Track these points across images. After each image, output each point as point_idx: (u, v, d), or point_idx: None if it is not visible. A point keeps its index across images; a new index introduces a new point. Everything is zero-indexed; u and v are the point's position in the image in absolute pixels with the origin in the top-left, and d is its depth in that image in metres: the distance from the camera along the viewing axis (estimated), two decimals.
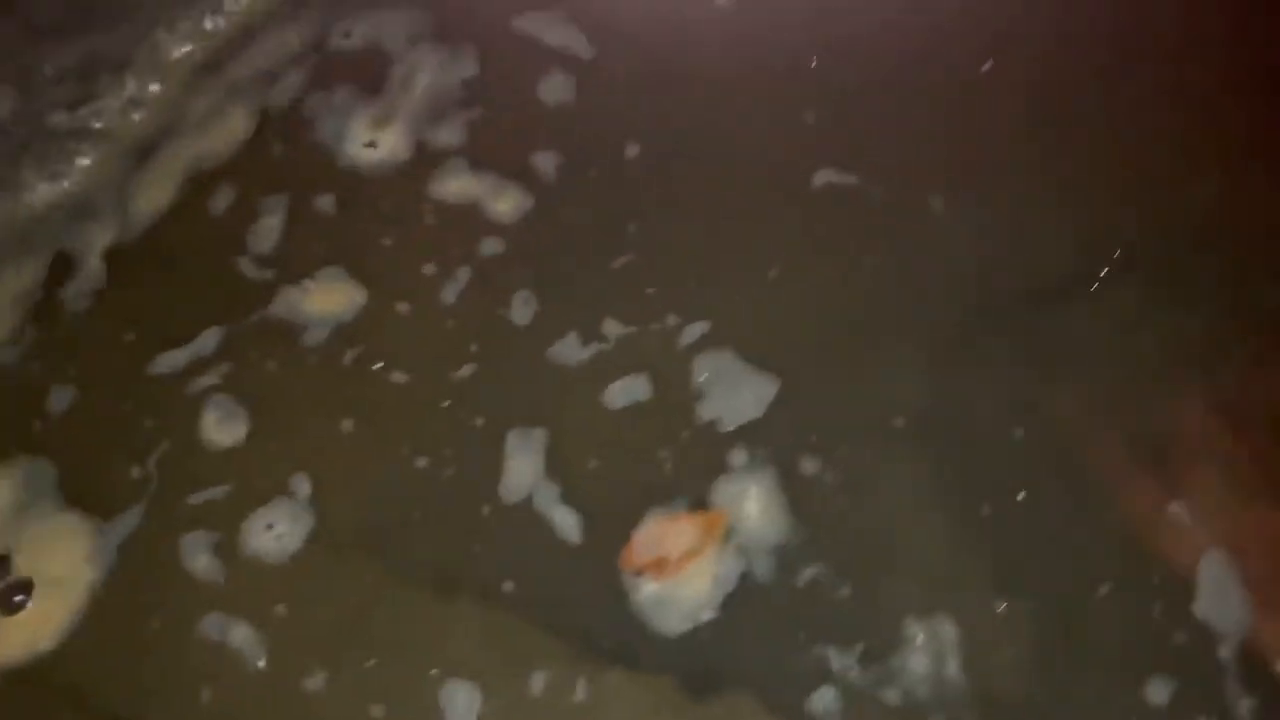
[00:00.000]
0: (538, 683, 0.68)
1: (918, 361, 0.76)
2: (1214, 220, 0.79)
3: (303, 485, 0.77)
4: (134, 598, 0.75)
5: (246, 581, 0.74)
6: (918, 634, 0.67)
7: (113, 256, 0.88)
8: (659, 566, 0.70)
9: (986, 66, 0.87)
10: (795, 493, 0.72)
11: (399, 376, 0.80)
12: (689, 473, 0.74)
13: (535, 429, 0.76)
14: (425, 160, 0.89)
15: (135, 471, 0.79)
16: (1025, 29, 0.89)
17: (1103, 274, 0.77)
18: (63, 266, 0.88)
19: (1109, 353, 0.75)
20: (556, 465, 0.75)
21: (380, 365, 0.81)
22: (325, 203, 0.89)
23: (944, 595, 0.68)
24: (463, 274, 0.84)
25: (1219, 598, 0.66)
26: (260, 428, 0.80)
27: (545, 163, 0.88)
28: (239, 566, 0.75)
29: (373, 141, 0.91)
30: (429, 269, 0.84)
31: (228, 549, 0.75)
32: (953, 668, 0.66)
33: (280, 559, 0.75)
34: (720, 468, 0.74)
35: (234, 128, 0.93)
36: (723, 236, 0.83)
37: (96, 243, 0.89)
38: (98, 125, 0.93)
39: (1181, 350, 0.74)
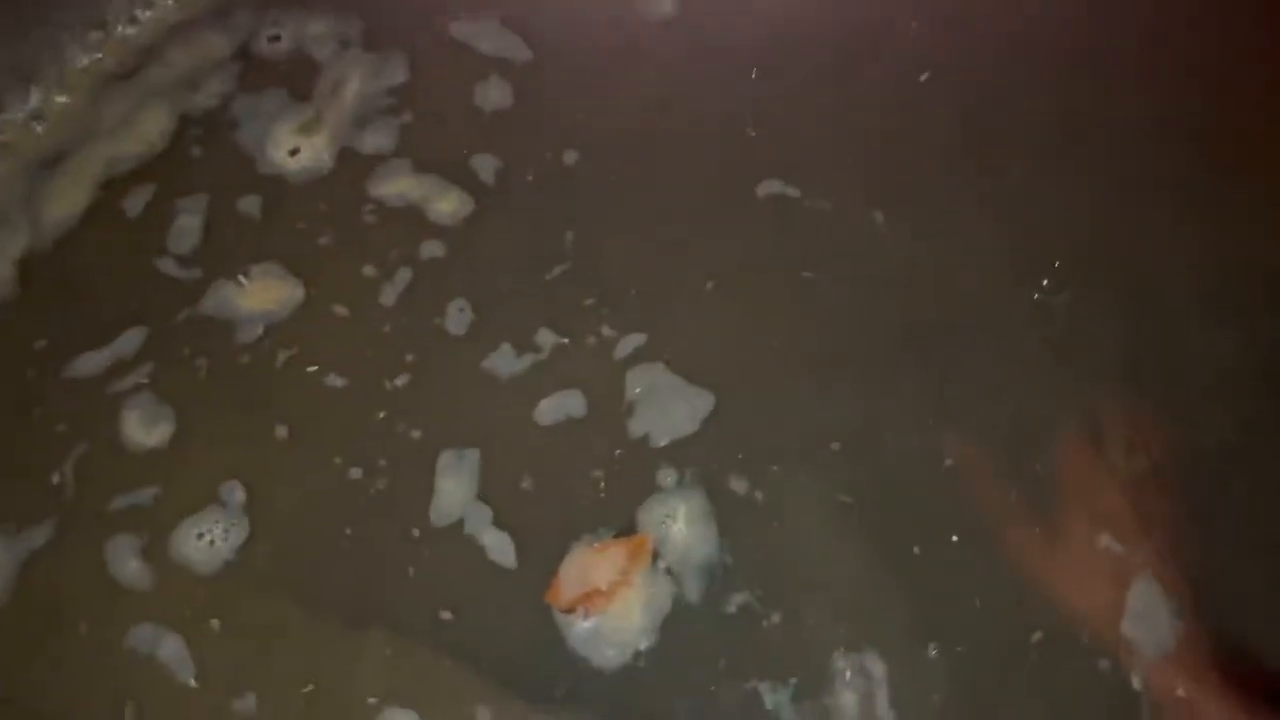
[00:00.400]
0: (480, 717, 0.68)
1: (855, 384, 0.76)
2: (1143, 244, 0.80)
3: (235, 493, 0.76)
4: (57, 605, 0.73)
5: (177, 591, 0.73)
6: (845, 669, 0.68)
7: (24, 265, 0.86)
8: (589, 599, 0.70)
9: (924, 77, 0.88)
10: (725, 513, 0.72)
11: (334, 381, 0.79)
12: (621, 492, 0.73)
13: (468, 448, 0.76)
14: (363, 162, 0.88)
15: (54, 478, 0.77)
16: (962, 40, 0.89)
17: (1034, 297, 0.78)
18: None
19: (1008, 390, 0.76)
20: (489, 485, 0.75)
21: (315, 369, 0.80)
22: (249, 204, 0.87)
23: (870, 630, 0.69)
24: (402, 277, 0.83)
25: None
26: (187, 430, 0.78)
27: (484, 166, 0.87)
28: (169, 575, 0.73)
29: (296, 148, 0.89)
30: (369, 270, 0.83)
31: (157, 555, 0.74)
32: (882, 707, 0.67)
33: (212, 569, 0.74)
34: (651, 486, 0.73)
35: (150, 133, 0.91)
36: (661, 247, 0.83)
37: (5, 252, 0.86)
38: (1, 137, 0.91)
39: (1084, 387, 0.75)
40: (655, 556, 0.71)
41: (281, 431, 0.78)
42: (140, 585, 0.73)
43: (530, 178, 0.86)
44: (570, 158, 0.86)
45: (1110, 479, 0.70)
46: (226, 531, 0.74)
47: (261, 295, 0.83)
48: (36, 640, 0.73)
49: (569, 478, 0.75)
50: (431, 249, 0.84)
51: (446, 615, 0.71)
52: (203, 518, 0.75)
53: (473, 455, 0.76)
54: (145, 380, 0.80)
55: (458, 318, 0.81)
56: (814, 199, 0.83)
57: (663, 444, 0.75)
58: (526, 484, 0.75)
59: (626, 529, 0.72)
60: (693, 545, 0.72)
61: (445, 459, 0.76)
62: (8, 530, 0.75)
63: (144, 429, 0.78)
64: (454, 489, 0.75)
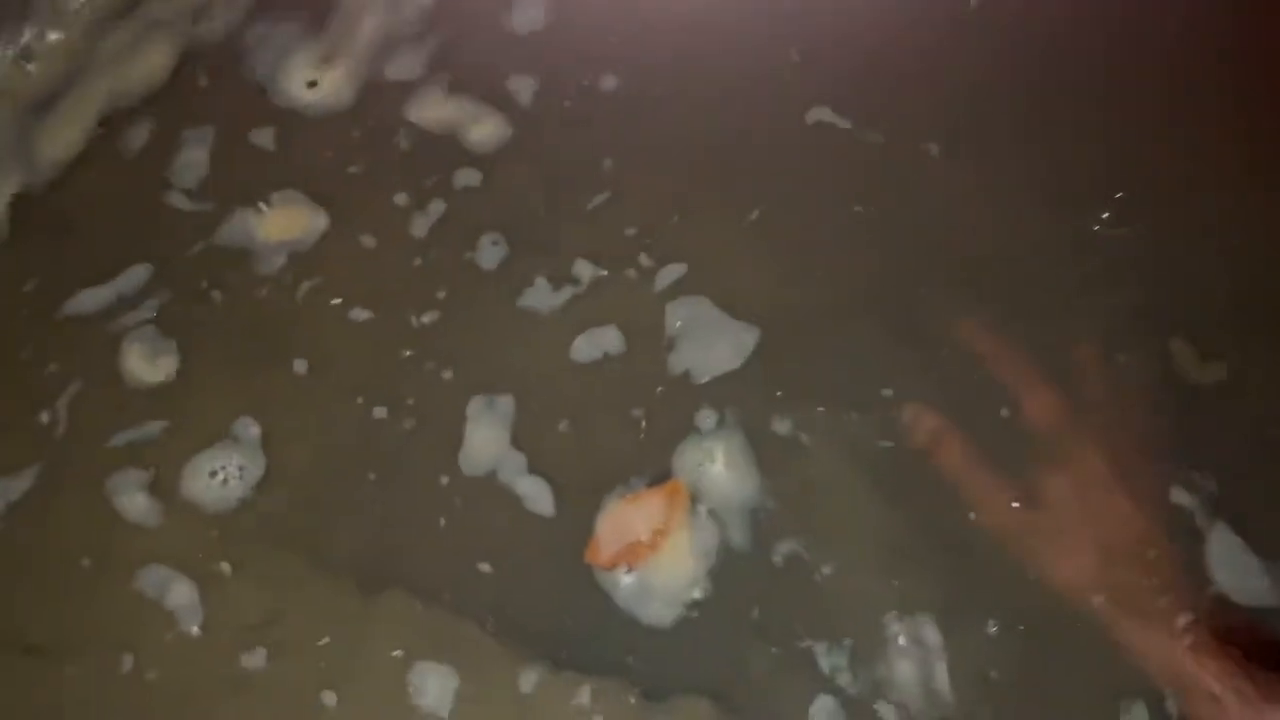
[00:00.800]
0: (525, 681, 0.63)
1: (909, 323, 0.72)
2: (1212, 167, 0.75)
3: (249, 429, 0.72)
4: (59, 543, 0.70)
5: (187, 531, 0.69)
6: (900, 634, 0.63)
7: (18, 206, 0.82)
8: (631, 553, 0.66)
9: (975, 2, 0.83)
10: (767, 454, 0.68)
11: (359, 315, 0.75)
12: (661, 432, 0.69)
13: (501, 394, 0.72)
14: (391, 90, 0.84)
15: (43, 418, 0.74)
16: None
17: (1094, 229, 0.73)
18: None
19: (1071, 327, 0.71)
20: (523, 430, 0.70)
21: (338, 302, 0.76)
22: (263, 136, 0.83)
23: (924, 593, 0.64)
24: (435, 207, 0.79)
25: None
26: (196, 365, 0.75)
27: (522, 89, 0.83)
28: (178, 513, 0.70)
29: (314, 81, 0.84)
30: (400, 199, 0.79)
31: (165, 492, 0.70)
32: (940, 680, 0.62)
33: (224, 508, 0.70)
34: (690, 427, 0.69)
35: (151, 66, 0.87)
36: (704, 175, 0.78)
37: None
38: None
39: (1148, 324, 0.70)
40: (693, 500, 0.67)
41: (300, 366, 0.74)
42: (147, 523, 0.70)
43: (567, 103, 0.82)
44: (609, 82, 0.82)
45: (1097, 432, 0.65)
46: (241, 469, 0.71)
47: (283, 224, 0.79)
48: (36, 580, 0.69)
49: (608, 419, 0.70)
50: (466, 177, 0.80)
51: (485, 568, 0.67)
52: (215, 454, 0.71)
53: (506, 399, 0.71)
54: (150, 315, 0.76)
55: (490, 251, 0.77)
56: (864, 130, 0.79)
57: (704, 381, 0.71)
58: (564, 427, 0.71)
59: (666, 472, 0.68)
60: (733, 488, 0.67)
61: (476, 404, 0.71)
62: None
63: (147, 364, 0.75)
64: (486, 434, 0.71)
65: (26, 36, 0.88)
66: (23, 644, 0.67)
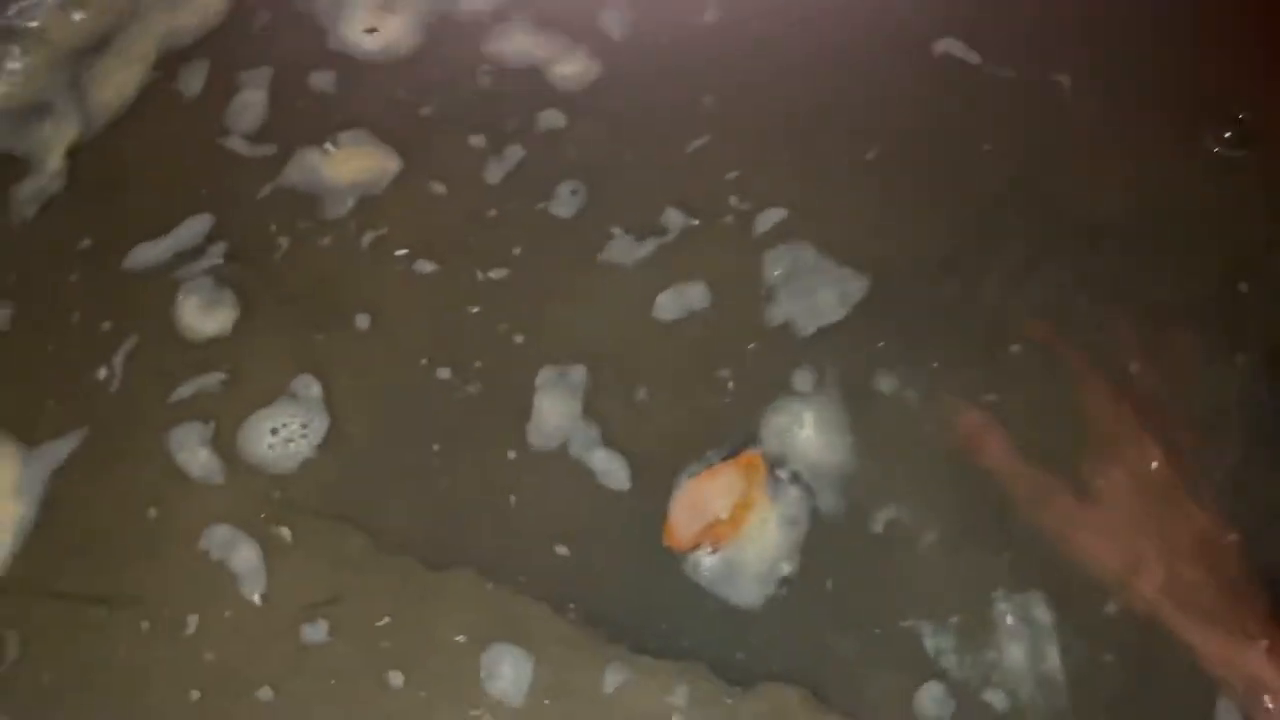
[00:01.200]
0: (609, 672, 0.60)
1: (1040, 272, 0.67)
2: None
3: (309, 387, 0.68)
4: (124, 497, 0.67)
5: (249, 492, 0.66)
6: (1008, 614, 0.59)
7: (74, 157, 0.79)
8: (712, 533, 0.62)
9: None
10: (868, 414, 0.64)
11: (424, 268, 0.71)
12: (749, 395, 0.65)
13: (575, 359, 0.68)
14: (467, 24, 0.79)
15: (99, 374, 0.70)
16: None
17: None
18: (11, 173, 0.79)
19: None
20: (597, 400, 0.66)
21: (404, 252, 0.72)
22: (323, 80, 0.79)
23: (1035, 570, 0.60)
24: (512, 152, 0.74)
25: None
26: (254, 317, 0.71)
27: (614, 23, 0.78)
28: (240, 472, 0.67)
29: (373, 27, 0.80)
30: (476, 141, 0.75)
31: (226, 449, 0.67)
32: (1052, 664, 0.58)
33: (287, 469, 0.66)
34: (783, 386, 0.65)
35: (207, 5, 0.83)
36: (816, 109, 0.74)
37: (54, 143, 0.79)
38: (31, 24, 0.83)
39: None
40: (774, 469, 0.63)
41: (363, 322, 0.70)
42: (210, 479, 0.67)
43: (664, 38, 0.77)
44: (711, 14, 0.77)
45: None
46: (304, 428, 0.67)
47: (353, 166, 0.75)
48: (100, 535, 0.66)
49: (691, 383, 0.66)
50: (550, 119, 0.75)
51: (562, 550, 0.63)
52: (275, 412, 0.68)
53: (579, 368, 0.67)
54: (209, 266, 0.73)
55: (569, 200, 0.72)
56: (995, 65, 0.74)
57: (805, 334, 0.66)
58: (641, 395, 0.66)
59: (752, 439, 0.64)
60: (825, 453, 0.63)
61: (547, 372, 0.67)
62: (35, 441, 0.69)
63: (203, 315, 0.71)
64: (557, 404, 0.67)
65: None
66: (86, 597, 0.65)
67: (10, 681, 0.63)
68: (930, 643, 0.59)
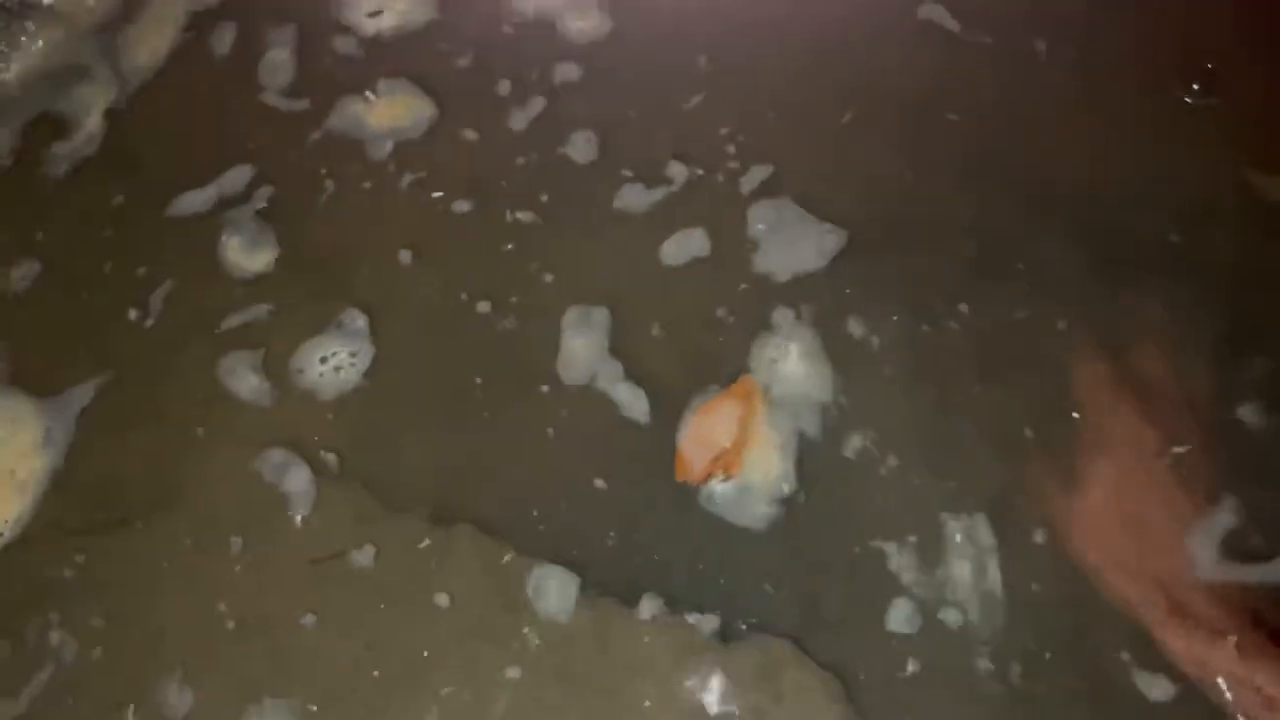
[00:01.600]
0: (644, 605, 0.64)
1: (1001, 239, 0.71)
2: None
3: (355, 319, 0.73)
4: (174, 413, 0.72)
5: (302, 416, 0.71)
6: (957, 533, 0.64)
7: (111, 118, 0.83)
8: (721, 462, 0.66)
9: None
10: (841, 353, 0.69)
11: (461, 207, 0.76)
12: (741, 331, 0.70)
13: (597, 300, 0.72)
14: None
15: (133, 314, 0.75)
16: None
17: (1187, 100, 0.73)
18: (48, 132, 0.83)
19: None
20: (619, 338, 0.71)
21: (440, 194, 0.77)
22: (347, 40, 0.83)
23: (977, 496, 0.65)
24: (535, 102, 0.79)
25: None
26: (296, 254, 0.76)
27: None
28: (293, 398, 0.71)
29: (377, 10, 0.84)
30: (504, 88, 0.80)
31: (277, 375, 0.72)
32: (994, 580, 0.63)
33: (337, 394, 0.71)
34: (767, 324, 0.70)
35: None
36: (802, 72, 0.77)
37: (91, 105, 0.83)
38: None
39: None
40: (766, 394, 0.68)
41: (405, 257, 0.75)
42: (261, 402, 0.72)
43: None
44: None
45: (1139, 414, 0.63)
46: (353, 356, 0.72)
47: (390, 112, 0.80)
48: (151, 443, 0.71)
49: (695, 322, 0.71)
50: (565, 72, 0.80)
51: (600, 484, 0.67)
52: (324, 341, 0.73)
53: (601, 309, 0.72)
54: (254, 211, 0.78)
55: (585, 148, 0.77)
56: (975, 30, 0.77)
57: (782, 280, 0.71)
58: (656, 331, 0.71)
59: (743, 370, 0.69)
60: (806, 384, 0.68)
61: (573, 313, 0.72)
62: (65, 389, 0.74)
63: (248, 255, 0.76)
64: (584, 342, 0.71)
65: None
66: (133, 507, 0.70)
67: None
68: (894, 561, 0.63)
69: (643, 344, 0.71)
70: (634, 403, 0.69)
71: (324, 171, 0.78)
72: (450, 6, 0.84)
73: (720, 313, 0.71)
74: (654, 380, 0.70)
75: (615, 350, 0.71)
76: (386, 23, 0.84)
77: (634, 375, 0.70)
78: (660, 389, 0.69)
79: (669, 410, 0.69)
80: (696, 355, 0.70)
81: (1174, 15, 0.76)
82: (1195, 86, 0.73)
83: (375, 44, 0.83)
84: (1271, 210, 0.69)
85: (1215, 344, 0.66)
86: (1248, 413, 0.64)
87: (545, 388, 0.70)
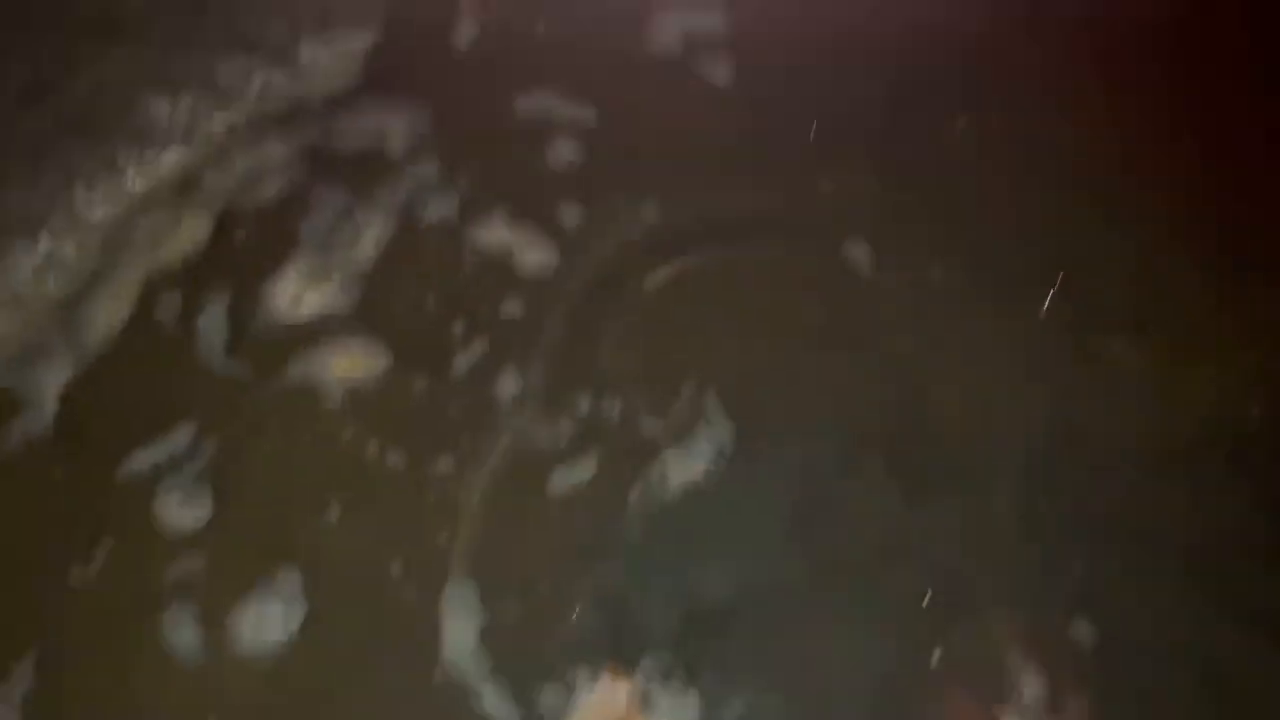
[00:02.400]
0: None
1: None
2: None
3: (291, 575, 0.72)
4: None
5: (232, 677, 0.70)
6: None
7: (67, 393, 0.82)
8: None
9: None
10: None
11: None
12: None
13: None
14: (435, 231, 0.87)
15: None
16: None
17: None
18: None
19: None
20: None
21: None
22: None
23: None
24: (479, 344, 0.81)
25: None
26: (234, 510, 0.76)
27: (569, 216, 0.87)
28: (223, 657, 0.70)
29: (298, 295, 0.84)
30: (458, 327, 0.82)
31: (212, 634, 0.71)
32: None
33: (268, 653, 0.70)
34: None
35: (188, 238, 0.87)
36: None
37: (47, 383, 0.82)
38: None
39: None
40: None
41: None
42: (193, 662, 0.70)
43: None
44: None
45: None
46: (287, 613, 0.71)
47: (348, 365, 0.81)
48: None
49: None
50: (512, 308, 0.83)
51: None
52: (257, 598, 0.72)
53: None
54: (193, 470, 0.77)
55: (511, 382, 0.80)
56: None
57: None
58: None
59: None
60: None
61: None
62: None
63: (184, 511, 0.75)
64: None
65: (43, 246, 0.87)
66: None
67: None
68: None
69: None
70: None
71: (266, 426, 0.79)
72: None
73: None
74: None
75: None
76: (309, 309, 0.84)
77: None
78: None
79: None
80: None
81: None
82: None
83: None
84: None
85: None
86: None
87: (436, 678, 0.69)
